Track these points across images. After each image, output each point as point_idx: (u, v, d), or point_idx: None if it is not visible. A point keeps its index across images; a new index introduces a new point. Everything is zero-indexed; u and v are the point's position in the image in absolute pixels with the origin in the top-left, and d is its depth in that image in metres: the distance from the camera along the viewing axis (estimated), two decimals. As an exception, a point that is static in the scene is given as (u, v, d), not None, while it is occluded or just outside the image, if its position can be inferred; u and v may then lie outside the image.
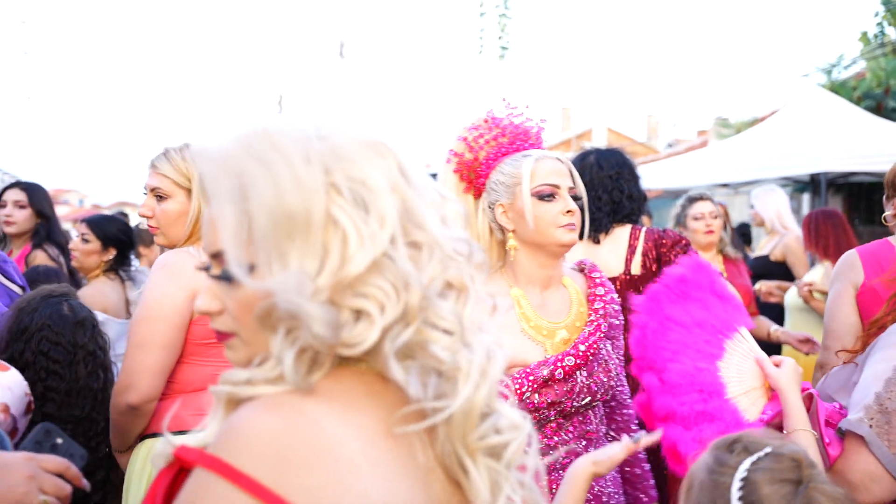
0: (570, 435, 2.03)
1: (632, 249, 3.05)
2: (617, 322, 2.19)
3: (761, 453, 1.16)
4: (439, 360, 0.87)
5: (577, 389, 1.99)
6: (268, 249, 0.85)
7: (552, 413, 1.99)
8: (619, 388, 2.20)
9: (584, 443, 2.04)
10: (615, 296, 2.21)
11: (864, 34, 16.35)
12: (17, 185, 4.46)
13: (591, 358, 2.00)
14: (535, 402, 1.95)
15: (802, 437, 1.62)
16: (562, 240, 2.03)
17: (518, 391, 1.94)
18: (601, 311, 2.10)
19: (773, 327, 4.21)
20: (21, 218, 4.28)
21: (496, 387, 0.92)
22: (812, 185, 9.58)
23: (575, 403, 1.99)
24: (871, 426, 1.61)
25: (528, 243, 2.05)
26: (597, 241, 3.09)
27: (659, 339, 1.81)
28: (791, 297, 4.85)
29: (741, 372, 1.78)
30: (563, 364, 1.97)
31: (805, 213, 13.13)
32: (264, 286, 0.84)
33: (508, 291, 2.07)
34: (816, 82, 14.45)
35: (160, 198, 2.39)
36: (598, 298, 2.13)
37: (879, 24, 16.22)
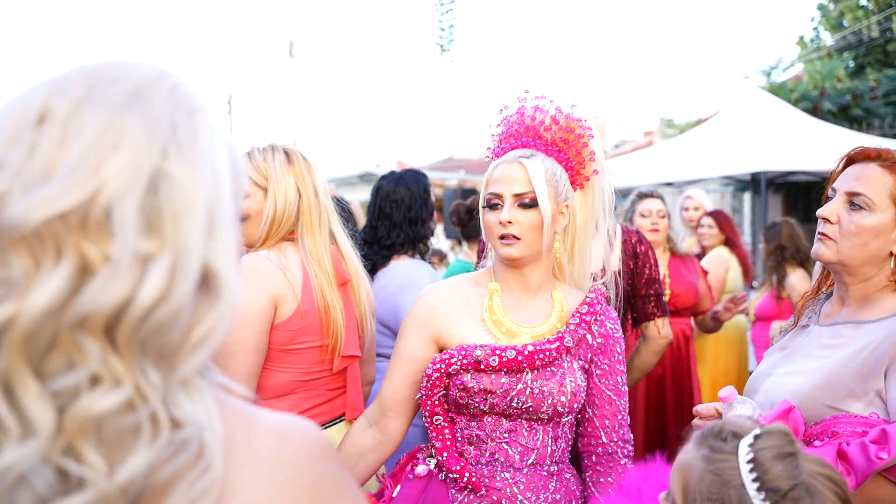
0: (507, 436, 1.93)
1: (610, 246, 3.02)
2: (596, 346, 2.02)
3: (751, 435, 1.16)
4: None
5: (518, 389, 1.88)
6: None
7: (484, 403, 1.90)
8: (613, 442, 2.02)
9: (519, 450, 1.93)
10: (611, 323, 2.06)
11: (801, 38, 16.85)
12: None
13: (539, 364, 1.89)
14: (466, 382, 1.89)
15: None
16: (498, 252, 1.97)
17: (448, 361, 1.90)
18: (572, 327, 1.96)
19: (709, 313, 4.26)
20: None
21: None
22: (753, 184, 9.80)
23: (511, 402, 1.89)
24: None
25: None
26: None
27: None
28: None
29: None
30: (503, 354, 1.88)
31: (747, 212, 13.48)
32: None
33: (488, 283, 2.05)
34: (756, 84, 14.80)
35: None
36: (578, 315, 1.99)
37: (815, 28, 16.75)
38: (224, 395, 0.80)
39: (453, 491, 1.94)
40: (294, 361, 2.26)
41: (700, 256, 5.62)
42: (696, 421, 1.82)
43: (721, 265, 5.49)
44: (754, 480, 1.10)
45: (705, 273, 4.52)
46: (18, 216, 0.64)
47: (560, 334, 1.94)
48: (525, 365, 1.88)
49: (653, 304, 3.08)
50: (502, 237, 1.94)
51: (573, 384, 1.92)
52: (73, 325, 0.65)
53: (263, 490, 0.76)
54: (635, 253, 3.05)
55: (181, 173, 0.71)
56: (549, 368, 1.92)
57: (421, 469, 1.99)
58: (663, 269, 4.23)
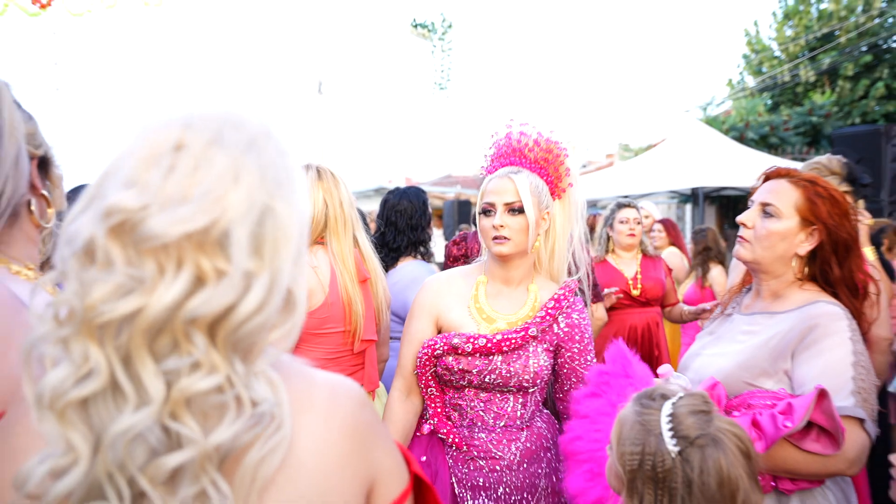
0: (483, 405, 1.93)
1: None
2: (563, 334, 1.96)
3: (677, 396, 1.17)
4: None
5: (490, 369, 1.89)
6: None
7: (464, 379, 1.91)
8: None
9: (493, 415, 1.93)
10: (577, 314, 1.99)
11: (730, 81, 16.88)
12: None
13: (507, 349, 1.88)
14: (449, 363, 1.90)
15: None
16: (492, 250, 1.95)
17: (433, 347, 1.91)
18: (537, 319, 1.93)
19: (686, 309, 4.13)
20: None
21: None
22: (693, 197, 9.83)
23: (484, 379, 1.89)
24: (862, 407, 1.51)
25: None
26: None
27: (592, 434, 1.57)
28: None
29: None
30: (475, 342, 1.88)
31: (688, 220, 13.51)
32: None
33: (478, 277, 2.04)
34: (695, 117, 14.83)
35: None
36: (545, 309, 1.95)
37: (741, 73, 16.79)
38: (288, 359, 0.82)
39: (446, 447, 1.97)
40: (322, 343, 2.25)
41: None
42: None
43: (680, 258, 5.62)
44: (670, 429, 1.11)
45: (670, 270, 4.45)
46: (161, 229, 0.64)
47: (527, 324, 1.93)
48: (494, 350, 1.88)
49: (590, 292, 3.05)
50: (495, 238, 1.93)
51: (536, 365, 1.90)
52: (185, 321, 0.66)
53: (320, 433, 0.77)
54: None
55: (283, 211, 0.72)
56: (516, 352, 1.90)
57: (425, 428, 2.00)
58: (636, 267, 4.16)
